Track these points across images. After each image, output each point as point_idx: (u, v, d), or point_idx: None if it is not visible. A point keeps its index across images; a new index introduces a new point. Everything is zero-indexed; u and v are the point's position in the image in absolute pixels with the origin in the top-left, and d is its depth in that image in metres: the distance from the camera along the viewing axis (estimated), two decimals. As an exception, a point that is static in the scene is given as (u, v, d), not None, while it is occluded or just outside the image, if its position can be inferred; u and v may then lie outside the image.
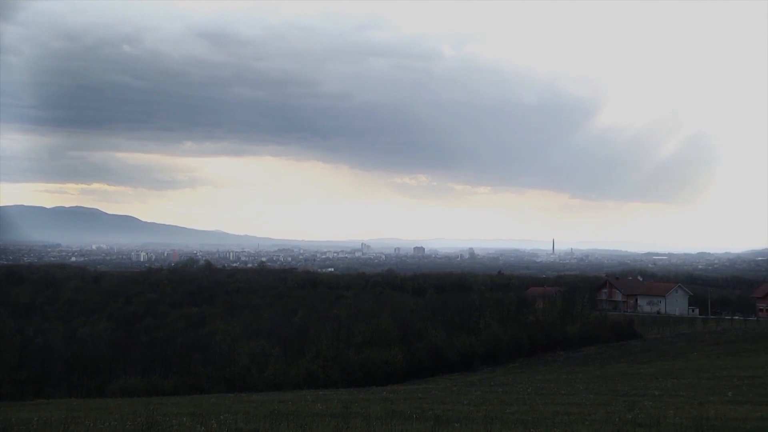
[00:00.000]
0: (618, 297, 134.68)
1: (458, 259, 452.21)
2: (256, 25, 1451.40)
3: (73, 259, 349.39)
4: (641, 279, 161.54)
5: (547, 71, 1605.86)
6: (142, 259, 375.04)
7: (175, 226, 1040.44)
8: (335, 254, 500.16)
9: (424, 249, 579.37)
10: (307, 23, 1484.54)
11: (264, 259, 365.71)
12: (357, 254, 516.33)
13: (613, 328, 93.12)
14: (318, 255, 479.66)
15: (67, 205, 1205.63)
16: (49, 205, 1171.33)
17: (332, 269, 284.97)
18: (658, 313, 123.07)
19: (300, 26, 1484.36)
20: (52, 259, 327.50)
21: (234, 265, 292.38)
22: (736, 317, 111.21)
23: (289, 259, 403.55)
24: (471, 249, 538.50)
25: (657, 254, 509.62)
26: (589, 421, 21.00)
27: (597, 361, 70.24)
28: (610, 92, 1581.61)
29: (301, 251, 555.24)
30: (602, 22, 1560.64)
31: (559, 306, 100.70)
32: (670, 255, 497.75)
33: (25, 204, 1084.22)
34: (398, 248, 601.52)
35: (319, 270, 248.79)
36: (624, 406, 25.35)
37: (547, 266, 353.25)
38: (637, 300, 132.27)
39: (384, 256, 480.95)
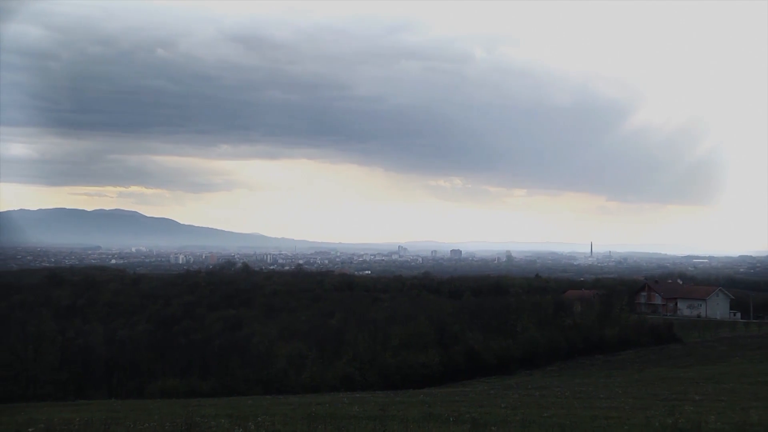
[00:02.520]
0: (657, 300, 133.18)
1: (495, 262, 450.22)
2: (288, 29, 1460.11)
3: (113, 261, 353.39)
4: (681, 282, 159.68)
5: (580, 73, 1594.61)
6: (180, 262, 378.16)
7: (213, 229, 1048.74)
8: (372, 257, 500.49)
9: (461, 252, 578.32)
10: (339, 26, 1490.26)
11: (301, 261, 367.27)
12: (393, 257, 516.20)
13: (652, 332, 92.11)
14: (355, 257, 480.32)
15: (107, 208, 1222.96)
16: (89, 208, 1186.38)
17: (369, 272, 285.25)
18: (699, 316, 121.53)
19: (332, 29, 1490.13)
20: (93, 261, 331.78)
21: (271, 267, 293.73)
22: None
23: (326, 261, 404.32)
24: (508, 252, 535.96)
25: (697, 257, 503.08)
26: (628, 425, 20.80)
27: (636, 364, 69.51)
28: (645, 92, 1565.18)
29: (338, 254, 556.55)
30: (636, 21, 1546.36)
31: (597, 309, 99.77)
32: (710, 258, 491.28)
33: (66, 207, 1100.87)
34: (435, 251, 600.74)
35: (355, 272, 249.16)
36: (664, 410, 25.06)
37: (584, 269, 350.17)
38: (676, 303, 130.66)
39: (421, 259, 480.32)
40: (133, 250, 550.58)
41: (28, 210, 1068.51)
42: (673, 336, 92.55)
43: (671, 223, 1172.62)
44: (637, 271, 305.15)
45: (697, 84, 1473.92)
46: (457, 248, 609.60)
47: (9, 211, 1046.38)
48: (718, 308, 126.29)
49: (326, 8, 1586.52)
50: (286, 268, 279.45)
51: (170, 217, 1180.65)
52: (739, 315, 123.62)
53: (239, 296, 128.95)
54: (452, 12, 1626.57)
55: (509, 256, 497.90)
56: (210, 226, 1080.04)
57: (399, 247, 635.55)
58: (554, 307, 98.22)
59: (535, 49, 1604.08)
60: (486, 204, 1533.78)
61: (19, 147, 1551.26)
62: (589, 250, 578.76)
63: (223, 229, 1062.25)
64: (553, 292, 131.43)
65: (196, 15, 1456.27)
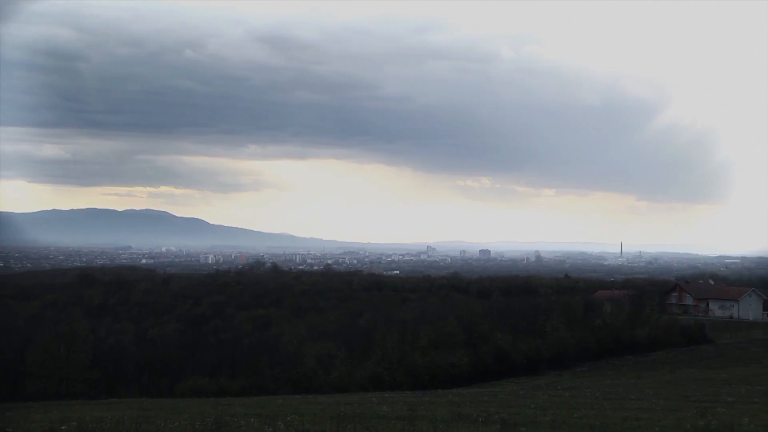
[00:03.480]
0: (688, 301, 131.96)
1: (524, 261, 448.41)
2: (315, 29, 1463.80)
3: (144, 261, 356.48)
4: (713, 282, 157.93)
5: (608, 72, 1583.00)
6: (210, 262, 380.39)
7: (242, 229, 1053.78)
8: (400, 257, 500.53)
9: (489, 252, 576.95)
10: (366, 26, 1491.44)
11: (330, 261, 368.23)
12: (422, 257, 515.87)
13: (683, 333, 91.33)
14: (383, 257, 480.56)
15: (138, 208, 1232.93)
16: (120, 208, 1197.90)
17: (397, 272, 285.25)
18: (731, 317, 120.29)
19: (358, 29, 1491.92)
20: (124, 261, 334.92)
21: (300, 267, 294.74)
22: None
23: (355, 261, 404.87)
24: (537, 252, 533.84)
25: (729, 257, 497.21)
26: (659, 427, 20.63)
27: (667, 365, 68.91)
28: (674, 91, 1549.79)
29: (367, 254, 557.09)
30: (663, 19, 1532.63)
31: (627, 309, 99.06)
32: (742, 258, 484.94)
33: (98, 207, 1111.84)
34: (464, 251, 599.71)
35: (384, 272, 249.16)
36: (695, 412, 24.82)
37: (614, 269, 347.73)
38: (708, 304, 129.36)
39: (449, 259, 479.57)
40: (164, 249, 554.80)
41: (61, 210, 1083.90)
42: (705, 337, 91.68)
43: (703, 222, 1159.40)
44: (668, 271, 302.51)
45: (726, 82, 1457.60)
46: (485, 248, 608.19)
47: (42, 210, 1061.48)
48: (750, 309, 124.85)
49: (353, 8, 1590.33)
50: (315, 268, 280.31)
51: (200, 217, 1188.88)
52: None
53: (268, 296, 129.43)
54: (479, 12, 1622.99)
55: (538, 256, 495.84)
56: (239, 226, 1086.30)
57: (427, 247, 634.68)
58: (584, 308, 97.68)
59: (562, 48, 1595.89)
60: (515, 204, 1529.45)
61: (52, 148, 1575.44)
62: (619, 250, 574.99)
63: (252, 229, 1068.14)
64: (583, 292, 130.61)
65: (223, 16, 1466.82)
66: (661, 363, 72.71)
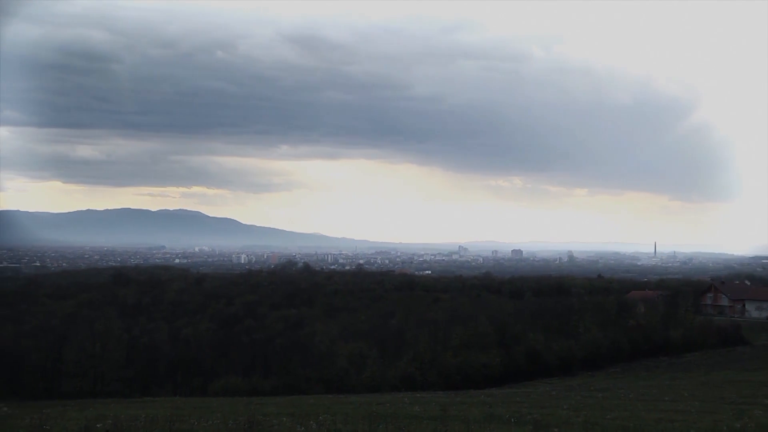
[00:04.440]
0: (724, 302, 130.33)
1: (557, 262, 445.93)
2: (345, 29, 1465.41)
3: (177, 261, 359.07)
4: (749, 283, 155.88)
5: (641, 71, 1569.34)
6: (242, 261, 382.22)
7: (275, 229, 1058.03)
8: (432, 257, 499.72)
9: (522, 252, 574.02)
10: (395, 26, 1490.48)
11: (362, 261, 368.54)
12: (454, 257, 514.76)
13: (718, 334, 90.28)
14: (415, 257, 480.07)
15: (171, 208, 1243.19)
16: (154, 209, 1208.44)
17: (429, 272, 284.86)
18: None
19: (388, 29, 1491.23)
20: (157, 260, 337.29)
21: (332, 267, 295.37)
22: None
23: (387, 261, 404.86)
24: (570, 252, 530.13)
25: (766, 257, 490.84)
26: (694, 429, 20.43)
27: (702, 367, 68.22)
28: (707, 89, 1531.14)
29: (398, 254, 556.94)
30: (697, 17, 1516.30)
31: (661, 310, 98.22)
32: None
33: (132, 207, 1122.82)
34: (496, 251, 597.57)
35: (416, 272, 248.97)
36: (732, 414, 24.55)
37: (648, 270, 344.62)
38: (744, 305, 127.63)
39: (481, 259, 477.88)
40: (197, 249, 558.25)
41: (96, 210, 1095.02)
42: (741, 338, 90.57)
43: (738, 222, 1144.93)
44: (703, 271, 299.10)
45: (761, 79, 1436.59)
46: (518, 248, 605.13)
47: (77, 211, 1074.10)
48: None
49: (382, 8, 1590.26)
50: (347, 267, 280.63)
51: (232, 217, 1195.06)
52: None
53: (300, 296, 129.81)
54: (509, 11, 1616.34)
55: (571, 257, 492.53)
56: (271, 226, 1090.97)
57: (459, 247, 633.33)
58: (617, 308, 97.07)
59: (593, 47, 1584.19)
60: (547, 204, 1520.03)
61: (86, 149, 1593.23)
62: (653, 250, 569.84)
63: (284, 229, 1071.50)
64: (616, 292, 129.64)
65: (254, 17, 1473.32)
66: (696, 364, 72.00)
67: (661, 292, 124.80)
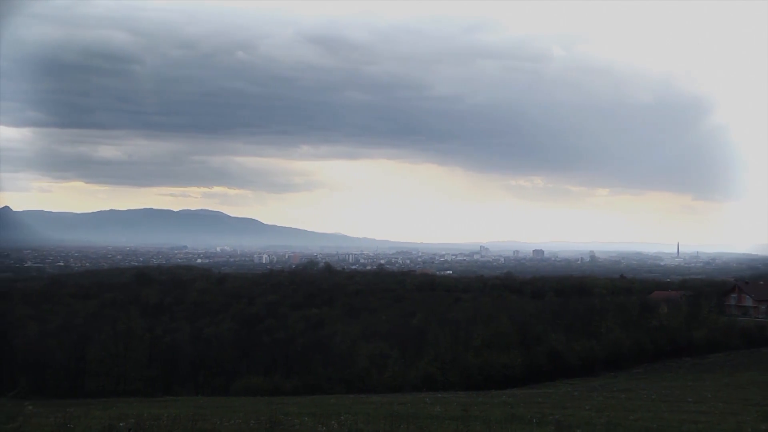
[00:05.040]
0: (748, 302, 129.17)
1: (578, 262, 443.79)
2: (365, 29, 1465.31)
3: (199, 260, 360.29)
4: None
5: (662, 69, 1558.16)
6: (264, 261, 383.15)
7: (296, 229, 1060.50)
8: (453, 257, 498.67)
9: (543, 252, 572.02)
10: (415, 26, 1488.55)
11: (382, 261, 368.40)
12: (475, 257, 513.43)
13: (743, 335, 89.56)
14: (436, 257, 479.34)
15: (193, 208, 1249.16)
16: (176, 209, 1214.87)
17: (450, 272, 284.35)
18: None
19: (408, 29, 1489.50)
20: (179, 260, 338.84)
21: (353, 267, 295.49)
22: None
23: (408, 261, 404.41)
24: (592, 252, 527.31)
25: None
26: (718, 431, 20.29)
27: (726, 368, 67.71)
28: (730, 88, 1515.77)
29: (419, 254, 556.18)
30: (719, 16, 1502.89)
31: (684, 311, 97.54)
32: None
33: (154, 207, 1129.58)
34: (517, 251, 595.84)
35: (437, 272, 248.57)
36: (757, 416, 24.35)
37: (671, 270, 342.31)
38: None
39: (502, 259, 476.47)
40: (218, 249, 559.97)
41: (118, 210, 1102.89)
42: (766, 339, 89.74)
43: (763, 222, 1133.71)
44: (726, 272, 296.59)
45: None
46: (539, 248, 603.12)
47: (100, 211, 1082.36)
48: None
49: (402, 8, 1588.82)
50: (368, 267, 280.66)
51: (254, 218, 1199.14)
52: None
53: (321, 296, 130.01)
54: (529, 11, 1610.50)
55: (593, 257, 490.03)
56: (292, 226, 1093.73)
57: (480, 247, 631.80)
58: (639, 309, 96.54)
59: (614, 46, 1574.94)
60: (568, 203, 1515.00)
61: (108, 149, 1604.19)
62: (676, 251, 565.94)
63: (306, 229, 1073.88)
64: (639, 293, 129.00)
65: (274, 17, 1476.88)
66: (719, 365, 71.49)
67: (684, 292, 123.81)
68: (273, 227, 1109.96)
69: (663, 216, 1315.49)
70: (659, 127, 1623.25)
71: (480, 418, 23.34)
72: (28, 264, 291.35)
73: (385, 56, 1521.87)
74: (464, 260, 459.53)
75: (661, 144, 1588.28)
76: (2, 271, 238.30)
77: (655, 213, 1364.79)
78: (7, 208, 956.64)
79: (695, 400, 33.53)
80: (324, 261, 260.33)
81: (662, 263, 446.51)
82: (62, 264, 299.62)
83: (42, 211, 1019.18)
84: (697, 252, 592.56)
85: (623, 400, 33.66)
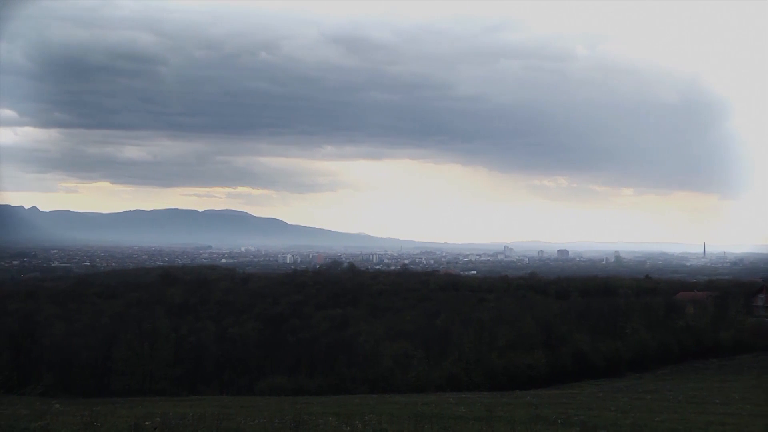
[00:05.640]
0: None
1: (603, 262, 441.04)
2: (388, 30, 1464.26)
3: (223, 260, 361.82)
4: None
5: (687, 69, 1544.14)
6: (288, 261, 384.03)
7: (320, 229, 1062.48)
8: (477, 257, 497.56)
9: (568, 252, 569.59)
10: (438, 26, 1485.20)
11: (406, 261, 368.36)
12: (499, 257, 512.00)
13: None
14: (460, 257, 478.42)
15: (218, 208, 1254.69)
16: (200, 209, 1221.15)
17: (474, 272, 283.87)
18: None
19: (431, 29, 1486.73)
20: (204, 260, 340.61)
21: (377, 267, 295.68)
22: None
23: (432, 261, 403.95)
24: (617, 252, 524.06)
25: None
26: (745, 432, 20.10)
27: (754, 369, 67.05)
28: (758, 86, 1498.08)
29: (444, 254, 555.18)
30: (745, 14, 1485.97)
31: (711, 311, 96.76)
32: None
33: (179, 208, 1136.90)
34: (541, 251, 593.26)
35: (461, 272, 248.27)
36: (784, 417, 24.10)
37: (697, 270, 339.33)
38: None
39: (527, 259, 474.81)
40: (243, 249, 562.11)
41: (144, 210, 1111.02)
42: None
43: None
44: (754, 272, 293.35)
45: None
46: (563, 248, 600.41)
47: (126, 211, 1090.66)
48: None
49: (425, 8, 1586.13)
50: (392, 268, 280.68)
51: (278, 218, 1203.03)
52: None
53: (346, 296, 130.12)
54: (552, 10, 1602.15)
55: (618, 257, 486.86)
56: (316, 226, 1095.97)
57: (505, 247, 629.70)
58: (665, 309, 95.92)
59: (638, 46, 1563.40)
60: (592, 203, 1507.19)
61: (134, 150, 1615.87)
62: (702, 251, 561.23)
63: (329, 229, 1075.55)
64: (664, 293, 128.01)
65: (297, 18, 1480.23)
66: (747, 366, 70.80)
67: (711, 293, 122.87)
68: (297, 227, 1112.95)
69: (689, 215, 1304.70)
70: (685, 127, 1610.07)
71: (504, 419, 23.29)
72: (55, 264, 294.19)
73: (409, 56, 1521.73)
74: (488, 260, 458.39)
75: (687, 143, 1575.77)
76: (30, 271, 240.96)
77: (680, 213, 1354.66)
78: (34, 208, 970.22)
79: (722, 401, 33.24)
80: (348, 261, 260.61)
81: (688, 263, 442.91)
82: (88, 264, 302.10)
83: (68, 211, 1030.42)
84: (724, 252, 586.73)
85: (649, 402, 33.43)
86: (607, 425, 21.50)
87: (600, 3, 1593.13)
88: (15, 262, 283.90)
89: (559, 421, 22.50)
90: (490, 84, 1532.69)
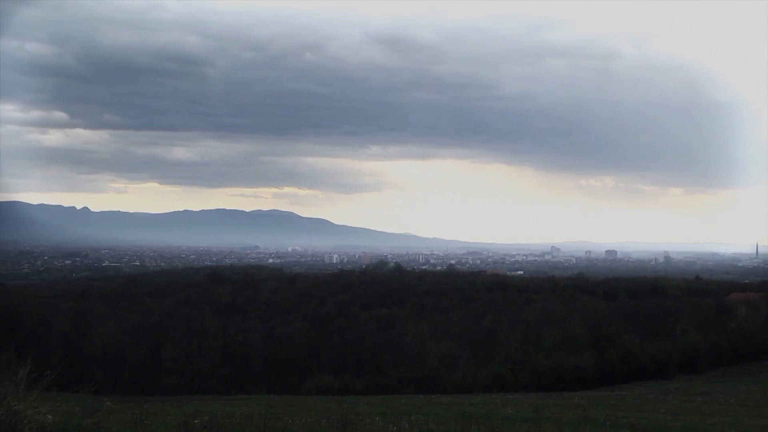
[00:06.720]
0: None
1: (652, 262, 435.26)
2: (432, 29, 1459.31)
3: (270, 260, 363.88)
4: None
5: (739, 67, 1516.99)
6: (334, 261, 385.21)
7: (366, 229, 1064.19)
8: (524, 257, 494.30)
9: (616, 252, 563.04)
10: (482, 25, 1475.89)
11: (453, 261, 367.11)
12: (546, 257, 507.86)
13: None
14: (507, 258, 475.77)
15: (265, 208, 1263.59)
16: (247, 209, 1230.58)
17: (521, 272, 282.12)
18: None
19: (474, 29, 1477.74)
20: (251, 260, 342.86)
21: (423, 267, 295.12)
22: None
23: (478, 261, 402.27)
24: (666, 252, 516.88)
25: None
26: (800, 436, 19.70)
27: (808, 372, 65.72)
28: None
29: (490, 254, 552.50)
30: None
31: (764, 313, 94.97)
32: None
33: (226, 208, 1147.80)
34: (589, 251, 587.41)
35: (508, 273, 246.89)
36: (840, 421, 23.58)
37: (749, 271, 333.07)
38: None
39: (574, 260, 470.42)
40: (289, 249, 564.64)
41: (192, 211, 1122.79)
42: None
43: None
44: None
45: None
46: (611, 248, 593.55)
47: (174, 211, 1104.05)
48: None
49: (468, 8, 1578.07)
50: (438, 268, 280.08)
51: (324, 218, 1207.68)
52: None
53: (392, 296, 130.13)
54: (597, 9, 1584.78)
55: (667, 257, 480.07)
56: (362, 226, 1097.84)
57: (552, 247, 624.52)
58: (716, 310, 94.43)
59: (686, 45, 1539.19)
60: (640, 203, 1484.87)
61: (181, 150, 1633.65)
62: (755, 251, 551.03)
63: (375, 229, 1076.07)
64: (715, 294, 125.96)
65: (341, 18, 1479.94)
66: (801, 369, 69.44)
67: (764, 294, 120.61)
68: (343, 227, 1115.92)
69: (740, 215, 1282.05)
70: (736, 126, 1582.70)
71: (552, 420, 23.12)
72: (106, 263, 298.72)
73: (453, 56, 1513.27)
74: (535, 260, 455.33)
75: (739, 142, 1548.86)
76: (81, 271, 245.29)
77: (731, 212, 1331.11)
78: (86, 208, 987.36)
79: (775, 404, 32.62)
80: (394, 261, 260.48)
81: (740, 264, 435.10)
82: (138, 263, 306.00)
83: (119, 211, 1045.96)
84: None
85: (700, 404, 32.93)
86: (657, 428, 21.23)
87: (647, 2, 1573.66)
88: (67, 262, 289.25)
89: (608, 423, 22.27)
90: (534, 83, 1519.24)
